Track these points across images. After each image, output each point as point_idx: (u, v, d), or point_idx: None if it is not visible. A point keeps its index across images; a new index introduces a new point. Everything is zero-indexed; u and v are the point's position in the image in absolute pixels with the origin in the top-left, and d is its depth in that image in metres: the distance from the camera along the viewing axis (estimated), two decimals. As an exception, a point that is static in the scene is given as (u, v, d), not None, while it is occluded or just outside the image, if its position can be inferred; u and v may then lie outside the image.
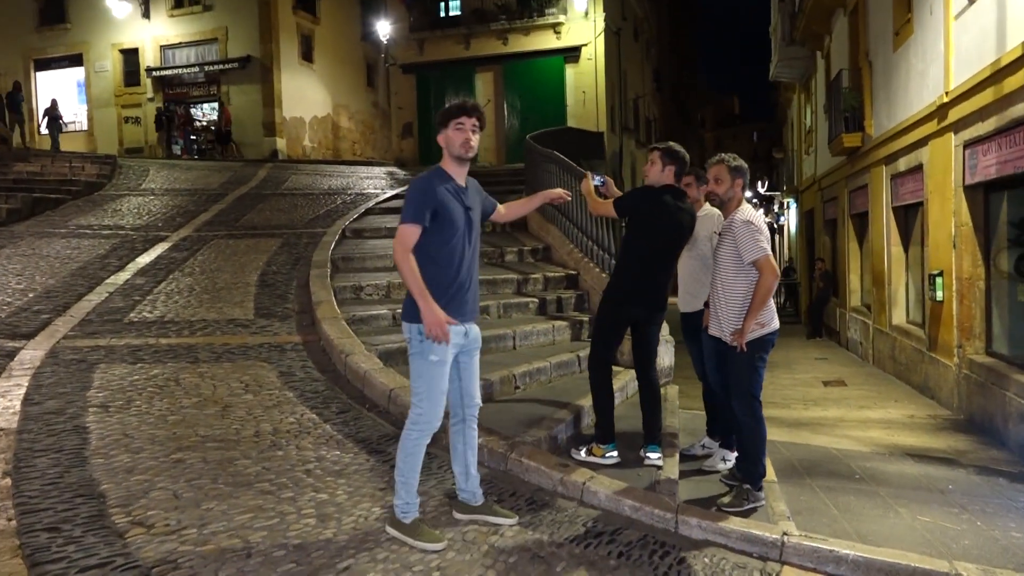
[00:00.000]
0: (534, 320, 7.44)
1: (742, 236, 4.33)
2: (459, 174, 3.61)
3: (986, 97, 7.61)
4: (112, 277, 8.56)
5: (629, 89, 28.86)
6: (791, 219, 27.76)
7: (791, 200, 27.51)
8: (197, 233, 11.32)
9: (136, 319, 7.12)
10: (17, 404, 4.98)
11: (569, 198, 4.40)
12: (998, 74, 7.26)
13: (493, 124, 25.67)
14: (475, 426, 3.85)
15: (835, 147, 14.61)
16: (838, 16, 15.86)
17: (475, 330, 3.71)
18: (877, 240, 12.62)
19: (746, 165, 4.55)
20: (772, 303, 4.44)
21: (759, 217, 4.53)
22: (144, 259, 9.50)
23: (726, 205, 4.52)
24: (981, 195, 8.36)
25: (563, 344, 7.23)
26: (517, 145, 23.44)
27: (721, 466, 5.23)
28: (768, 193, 33.74)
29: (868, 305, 13.81)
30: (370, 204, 13.84)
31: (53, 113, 23.00)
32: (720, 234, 4.57)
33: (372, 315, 6.96)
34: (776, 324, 4.45)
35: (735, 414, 4.57)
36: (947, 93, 8.77)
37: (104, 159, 19.86)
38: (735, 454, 5.13)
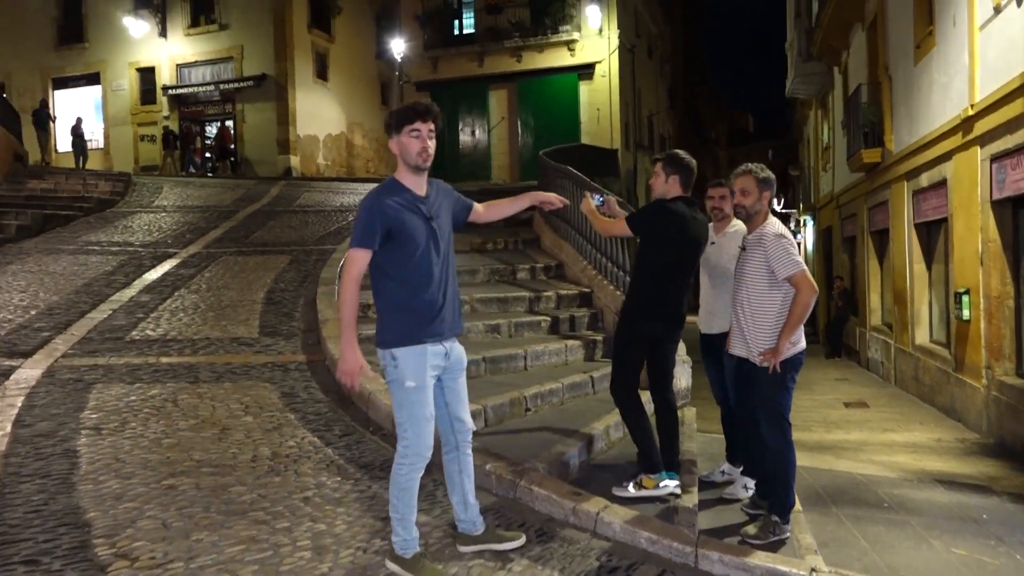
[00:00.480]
0: (546, 339, 7.21)
1: (775, 251, 4.10)
2: (416, 183, 3.31)
3: (1015, 109, 7.36)
4: (117, 294, 8.42)
5: (643, 106, 28.72)
6: (808, 237, 27.43)
7: (808, 218, 27.19)
8: (206, 250, 11.19)
9: (138, 337, 6.95)
10: (8, 426, 4.80)
11: (561, 204, 4.04)
12: (1028, 85, 7.01)
13: (507, 141, 25.59)
14: (470, 452, 3.60)
15: (854, 163, 14.35)
16: (856, 31, 15.65)
17: (458, 349, 3.45)
18: (899, 258, 12.32)
19: (773, 176, 4.32)
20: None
21: (784, 227, 4.30)
22: (151, 276, 9.36)
23: (752, 218, 4.29)
24: (1010, 211, 8.08)
25: (576, 364, 6.99)
26: (531, 162, 23.29)
27: (743, 494, 4.97)
28: (785, 211, 33.41)
29: (889, 324, 13.48)
30: (381, 221, 13.66)
31: (78, 131, 23.12)
32: (745, 248, 4.33)
33: (379, 334, 6.75)
34: (804, 343, 4.22)
35: (764, 439, 4.31)
36: (972, 106, 8.52)
37: (118, 176, 19.92)
38: (754, 481, 4.88)
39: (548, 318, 7.60)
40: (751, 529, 4.29)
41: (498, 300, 7.85)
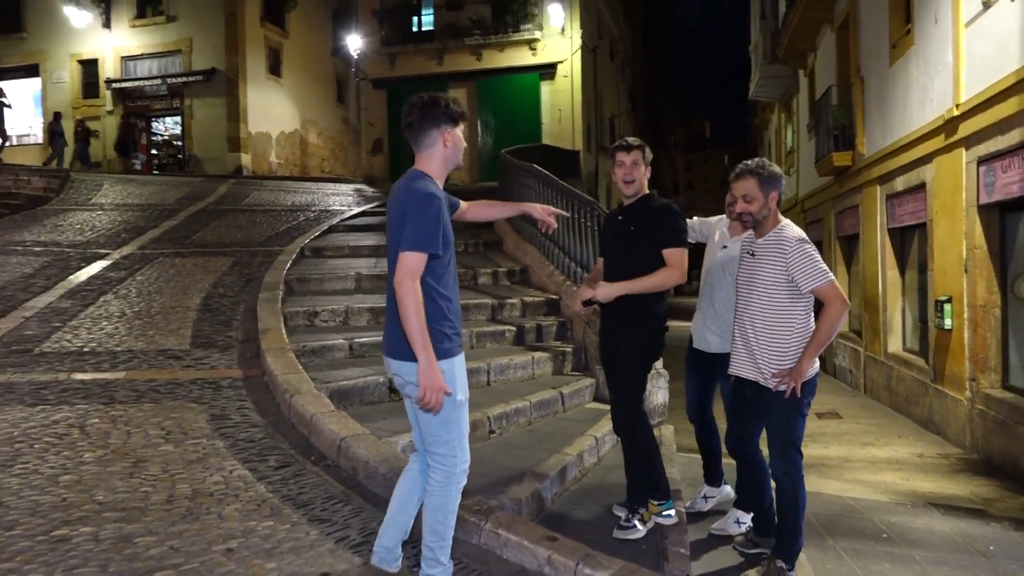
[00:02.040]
0: (511, 351, 6.60)
1: (799, 259, 3.54)
2: (442, 180, 3.08)
3: (1008, 108, 6.96)
4: (33, 300, 7.58)
5: (605, 108, 28.30)
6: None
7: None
8: (141, 251, 10.34)
9: (49, 350, 6.15)
10: None
11: (556, 225, 3.62)
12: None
13: (466, 142, 24.90)
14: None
15: (823, 167, 14.02)
16: (824, 32, 15.36)
17: None
18: (870, 264, 11.97)
19: (780, 171, 3.75)
20: None
21: (802, 231, 3.73)
22: (75, 279, 8.51)
23: (760, 225, 3.72)
24: (996, 216, 7.70)
25: (544, 379, 6.39)
26: (490, 163, 22.68)
27: (734, 529, 4.41)
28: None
29: (858, 331, 13.15)
30: (334, 221, 12.93)
31: (56, 128, 21.74)
32: (754, 255, 3.75)
33: (326, 345, 6.07)
34: (818, 364, 3.67)
35: (771, 473, 3.76)
36: (957, 106, 8.13)
37: (55, 172, 18.79)
38: (751, 515, 4.32)
39: (513, 327, 6.99)
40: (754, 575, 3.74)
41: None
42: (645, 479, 4.06)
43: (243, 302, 7.69)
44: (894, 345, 11.19)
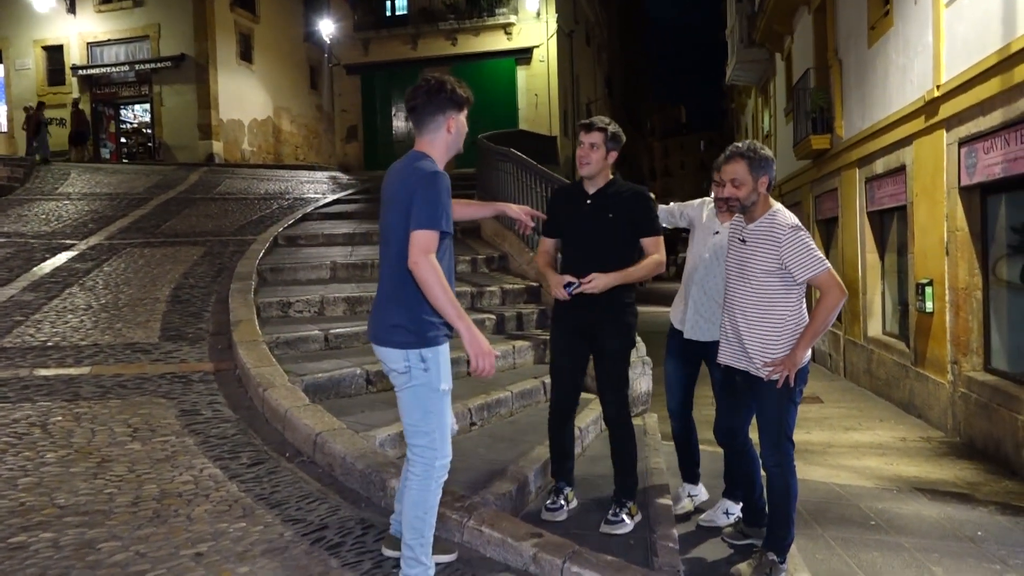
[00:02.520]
0: (491, 340, 6.43)
1: (795, 247, 3.40)
2: (443, 166, 3.00)
3: (990, 88, 6.89)
4: (-6, 293, 7.32)
5: (582, 93, 28.16)
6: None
7: (746, 207, 27.04)
8: (109, 241, 10.05)
9: (11, 345, 5.90)
10: None
11: (533, 225, 3.59)
12: (1006, 62, 6.54)
13: (442, 128, 24.66)
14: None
15: (801, 150, 13.97)
16: (801, 15, 15.28)
17: None
18: (849, 247, 11.95)
19: (771, 154, 3.59)
20: None
21: (795, 217, 3.60)
22: (39, 271, 8.23)
23: (749, 210, 3.57)
24: (978, 197, 7.66)
25: (525, 368, 6.26)
26: (467, 149, 22.39)
27: (722, 520, 4.30)
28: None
29: (838, 315, 13.14)
30: (308, 209, 12.70)
31: (40, 118, 21.10)
32: (745, 241, 3.61)
33: (301, 336, 5.88)
34: (810, 350, 3.56)
35: (762, 463, 3.65)
36: (938, 87, 8.07)
37: (19, 161, 18.32)
38: (740, 505, 4.22)
39: (493, 316, 6.84)
40: (745, 569, 3.63)
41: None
42: (634, 472, 3.98)
43: (214, 293, 7.47)
44: (874, 329, 11.18)
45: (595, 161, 3.83)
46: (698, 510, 4.46)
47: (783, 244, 3.42)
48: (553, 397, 4.11)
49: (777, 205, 3.61)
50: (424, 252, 2.71)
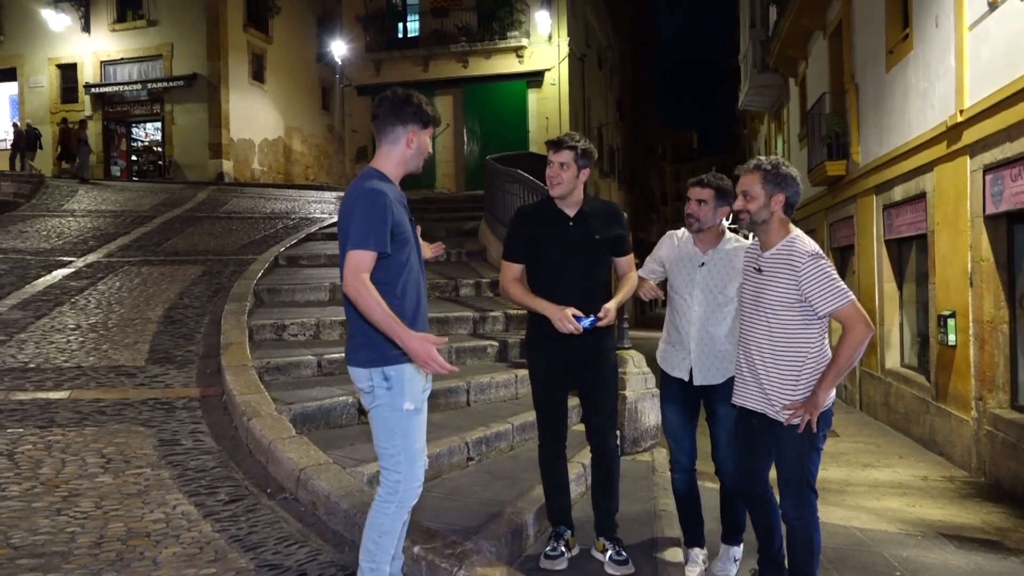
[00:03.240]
0: (493, 368, 6.17)
1: (815, 277, 3.10)
2: (398, 180, 2.90)
3: (1017, 113, 6.60)
4: (-18, 311, 7.09)
5: (593, 117, 27.99)
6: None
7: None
8: (107, 259, 9.84)
9: (-10, 365, 5.66)
10: None
11: (441, 254, 3.43)
12: (1036, 85, 6.26)
13: (452, 150, 24.56)
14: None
15: (815, 176, 13.69)
16: (816, 40, 15.07)
17: None
18: (866, 276, 11.62)
19: (794, 173, 3.29)
20: None
21: (816, 245, 3.30)
22: (32, 289, 8.01)
23: (764, 235, 3.29)
24: (1004, 226, 7.34)
25: (527, 398, 5.87)
26: (477, 171, 22.29)
27: (732, 570, 3.99)
28: (735, 226, 33.02)
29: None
30: (312, 229, 12.50)
31: (81, 135, 21.11)
32: (761, 271, 3.32)
33: (293, 362, 5.61)
34: (834, 392, 3.26)
35: (787, 516, 3.32)
36: (961, 112, 7.78)
37: (28, 177, 18.29)
38: (740, 547, 3.94)
39: (495, 342, 6.56)
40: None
41: (438, 320, 6.77)
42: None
43: (209, 314, 7.23)
44: (892, 360, 10.82)
45: (567, 181, 3.55)
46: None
47: (802, 274, 3.13)
48: (546, 433, 3.79)
49: (797, 231, 3.33)
50: (353, 272, 2.62)
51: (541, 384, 3.75)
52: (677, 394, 3.94)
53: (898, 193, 10.10)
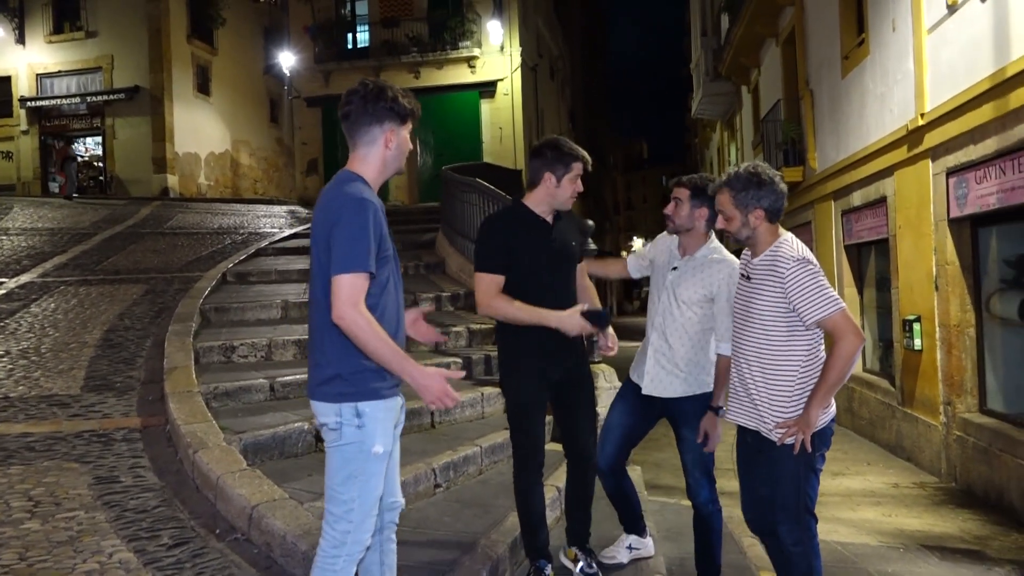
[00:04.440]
0: (457, 387, 5.83)
1: (801, 283, 2.89)
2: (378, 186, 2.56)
3: (982, 115, 6.55)
4: (-101, 338, 6.54)
5: (546, 127, 27.89)
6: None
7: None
8: (42, 279, 9.28)
9: (-97, 399, 5.17)
10: None
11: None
12: (1000, 87, 6.19)
13: (406, 161, 24.19)
14: (394, 537, 2.73)
15: (772, 183, 13.67)
16: (768, 47, 15.15)
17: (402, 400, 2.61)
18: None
19: (769, 178, 3.03)
20: None
21: (805, 248, 3.08)
22: (-43, 313, 7.47)
23: (749, 241, 3.10)
24: (968, 229, 7.30)
25: (495, 418, 5.64)
26: (430, 183, 21.96)
27: (623, 556, 3.84)
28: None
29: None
30: (263, 244, 12.04)
31: (68, 153, 20.18)
32: (749, 278, 3.11)
33: (244, 386, 5.22)
34: (834, 409, 3.04)
35: (784, 542, 3.06)
36: (922, 115, 7.74)
37: (-42, 196, 17.46)
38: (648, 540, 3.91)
39: (458, 359, 6.24)
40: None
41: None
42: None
43: (151, 336, 6.79)
44: (855, 365, 10.78)
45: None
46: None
47: (787, 280, 2.92)
48: (530, 463, 3.46)
49: (786, 236, 3.11)
50: (349, 303, 2.28)
51: (525, 409, 3.44)
52: (628, 393, 3.77)
53: (857, 198, 10.08)
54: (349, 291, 2.28)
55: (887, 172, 8.88)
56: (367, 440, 2.40)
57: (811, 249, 10.03)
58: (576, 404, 3.51)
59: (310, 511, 3.60)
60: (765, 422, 3.01)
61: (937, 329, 7.66)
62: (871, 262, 10.36)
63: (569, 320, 3.15)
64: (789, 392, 2.98)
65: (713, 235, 3.61)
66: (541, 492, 3.54)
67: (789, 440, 2.93)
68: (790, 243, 3.03)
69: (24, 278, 9.31)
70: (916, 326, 8.04)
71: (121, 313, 7.63)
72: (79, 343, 6.56)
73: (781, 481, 3.01)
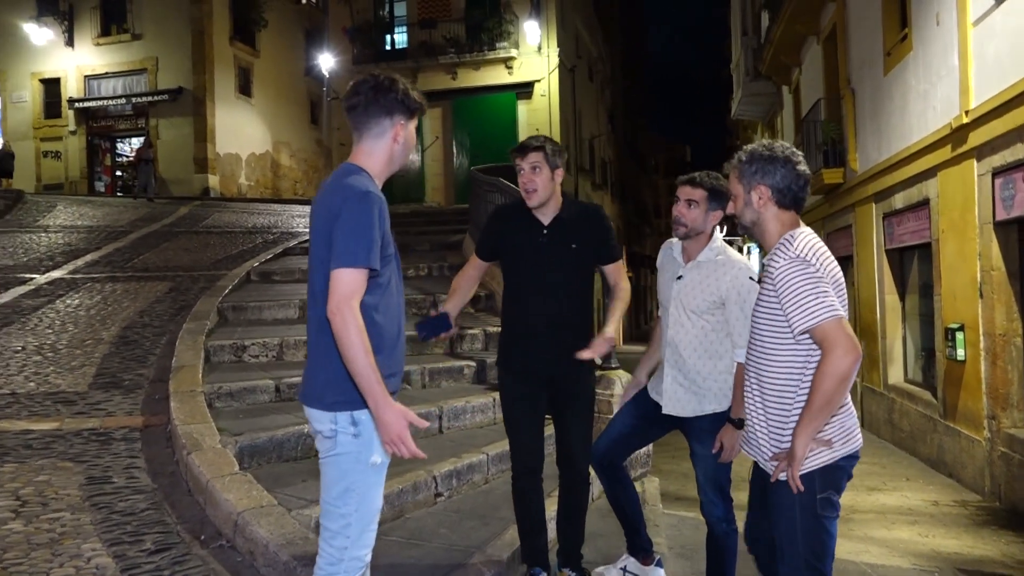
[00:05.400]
0: (469, 391, 5.70)
1: (789, 285, 2.39)
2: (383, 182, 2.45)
3: (1031, 111, 6.18)
4: (-79, 332, 6.60)
5: (584, 129, 27.61)
6: (754, 265, 26.60)
7: (754, 244, 26.36)
8: (71, 275, 9.36)
9: (-88, 394, 5.17)
10: None
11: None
12: (1051, 81, 5.83)
13: (442, 162, 24.15)
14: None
15: (812, 185, 13.16)
16: (810, 45, 14.71)
17: None
18: (867, 288, 11.18)
19: (784, 154, 2.60)
20: (850, 404, 2.52)
21: (819, 248, 2.51)
22: (-18, 308, 7.53)
23: (756, 231, 2.64)
24: (1016, 233, 6.91)
25: (507, 423, 5.47)
26: (466, 184, 21.84)
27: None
28: (729, 237, 32.70)
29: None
30: (291, 243, 12.02)
31: (143, 155, 20.66)
32: (759, 280, 2.83)
33: (249, 387, 5.12)
34: (858, 441, 2.50)
35: None
36: (966, 113, 7.36)
37: (5, 193, 17.82)
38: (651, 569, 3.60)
39: (472, 363, 6.09)
40: None
41: (410, 339, 6.27)
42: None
43: (168, 333, 6.74)
44: (895, 376, 10.36)
45: (542, 185, 3.16)
46: None
47: (777, 279, 2.43)
48: (519, 462, 3.35)
49: (797, 230, 2.56)
50: (345, 297, 2.16)
51: (511, 403, 3.33)
52: (641, 398, 3.50)
53: (899, 200, 9.67)
54: (346, 287, 2.17)
55: (930, 173, 8.49)
56: (364, 450, 2.28)
57: (852, 253, 9.55)
58: (565, 408, 3.33)
59: (297, 519, 3.46)
60: (763, 451, 2.59)
61: (981, 338, 7.26)
62: (913, 267, 9.94)
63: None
64: (787, 415, 2.49)
65: (716, 233, 3.35)
66: (538, 498, 3.37)
67: (781, 476, 2.45)
68: (797, 238, 2.50)
69: (55, 274, 9.40)
70: (959, 335, 7.64)
71: (142, 310, 7.62)
72: (95, 340, 6.54)
73: (778, 525, 2.52)
